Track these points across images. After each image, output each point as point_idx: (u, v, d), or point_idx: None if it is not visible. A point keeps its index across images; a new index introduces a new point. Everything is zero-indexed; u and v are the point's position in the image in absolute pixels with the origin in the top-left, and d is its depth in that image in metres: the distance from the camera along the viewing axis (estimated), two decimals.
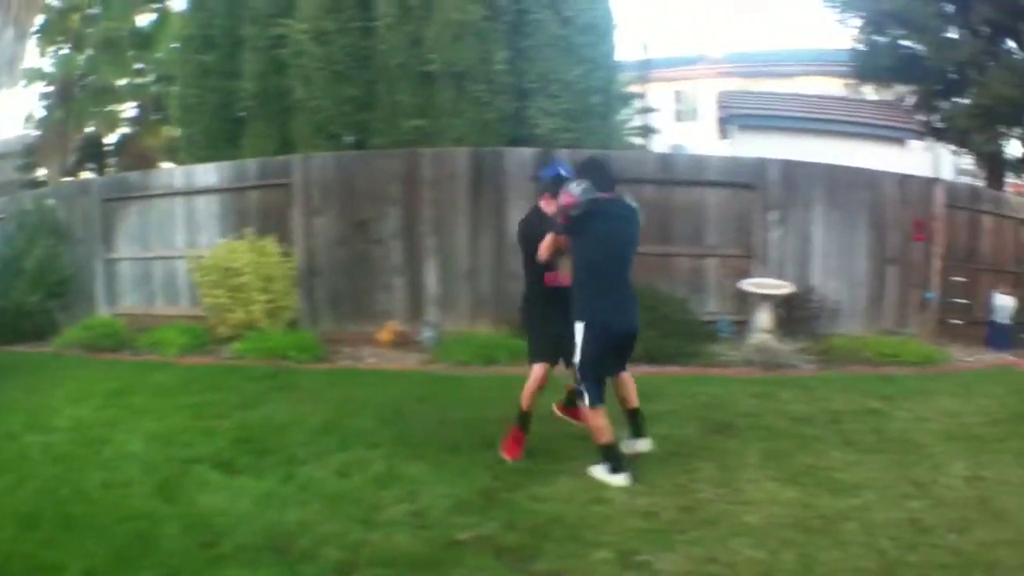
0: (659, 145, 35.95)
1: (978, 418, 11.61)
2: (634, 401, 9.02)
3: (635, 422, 9.00)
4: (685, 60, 47.32)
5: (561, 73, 17.70)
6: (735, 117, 29.00)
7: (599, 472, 8.11)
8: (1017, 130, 29.90)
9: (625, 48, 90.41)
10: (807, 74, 42.27)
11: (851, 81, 35.21)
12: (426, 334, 14.47)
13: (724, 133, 30.38)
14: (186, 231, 16.48)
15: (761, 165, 17.36)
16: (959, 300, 18.26)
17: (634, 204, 8.91)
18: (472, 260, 15.67)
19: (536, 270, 9.05)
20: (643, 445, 8.93)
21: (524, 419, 8.87)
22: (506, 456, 8.61)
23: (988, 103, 26.69)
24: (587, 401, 8.17)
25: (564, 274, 8.93)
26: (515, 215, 14.47)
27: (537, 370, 8.98)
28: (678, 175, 16.65)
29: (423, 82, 17.19)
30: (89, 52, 27.90)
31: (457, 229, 15.65)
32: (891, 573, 6.75)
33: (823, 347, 15.91)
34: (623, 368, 9.07)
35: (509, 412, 9.75)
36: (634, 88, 33.70)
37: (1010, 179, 34.01)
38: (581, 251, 8.42)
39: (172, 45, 26.04)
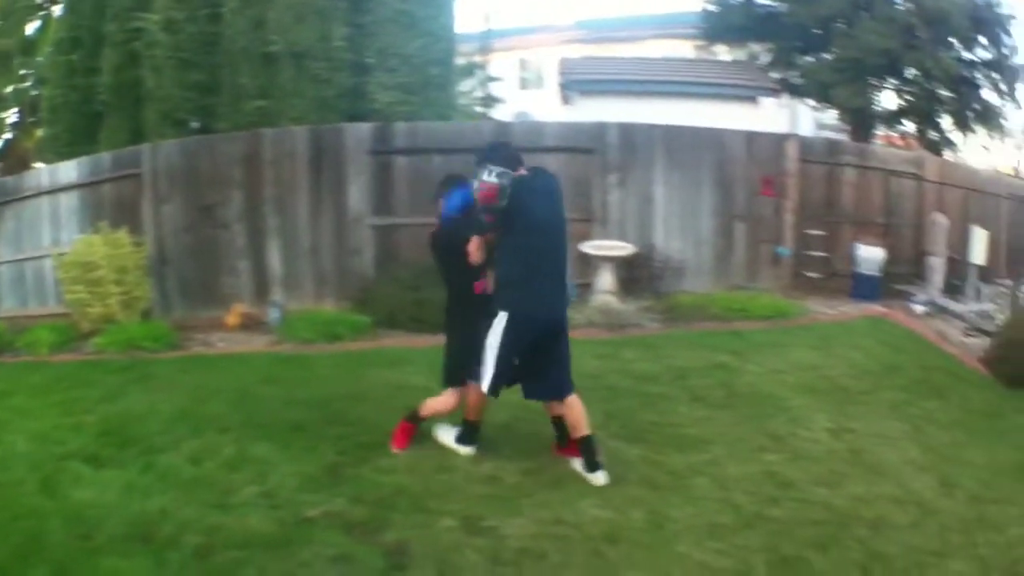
0: (504, 113, 36.00)
1: (842, 370, 11.97)
2: (581, 428, 7.80)
3: (586, 451, 7.78)
4: (531, 29, 47.15)
5: (400, 47, 17.99)
6: (575, 83, 29.11)
7: (445, 436, 8.24)
8: (893, 81, 30.53)
9: (469, 19, 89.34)
10: (657, 37, 42.21)
11: (701, 43, 35.35)
12: (272, 315, 14.57)
13: (566, 99, 30.45)
14: (51, 230, 16.43)
15: (600, 129, 17.54)
16: (816, 254, 18.52)
17: (556, 181, 8.22)
18: (314, 238, 15.80)
19: (464, 280, 8.26)
20: (598, 478, 7.72)
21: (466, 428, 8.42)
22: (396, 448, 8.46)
23: (857, 56, 27.22)
24: (482, 384, 7.67)
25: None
26: (354, 190, 15.82)
27: (450, 399, 8.47)
28: (516, 142, 15.47)
29: (265, 64, 17.34)
30: None
31: (298, 208, 15.75)
32: (750, 527, 7.13)
33: (668, 305, 16.21)
34: (560, 383, 7.95)
35: (351, 388, 10.57)
36: (478, 58, 33.91)
37: (884, 132, 34.39)
38: (513, 239, 7.71)
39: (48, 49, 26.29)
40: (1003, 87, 30.21)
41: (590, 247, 16.18)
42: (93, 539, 6.44)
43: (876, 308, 16.35)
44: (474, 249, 7.88)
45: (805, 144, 19.01)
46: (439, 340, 11.86)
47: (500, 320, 7.61)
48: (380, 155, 15.85)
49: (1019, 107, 31.44)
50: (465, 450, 8.14)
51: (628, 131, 17.60)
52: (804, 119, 36.64)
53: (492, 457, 8.29)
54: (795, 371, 11.81)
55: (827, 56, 29.64)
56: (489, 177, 7.64)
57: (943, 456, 8.71)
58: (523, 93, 39.86)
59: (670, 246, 17.48)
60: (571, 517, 7.06)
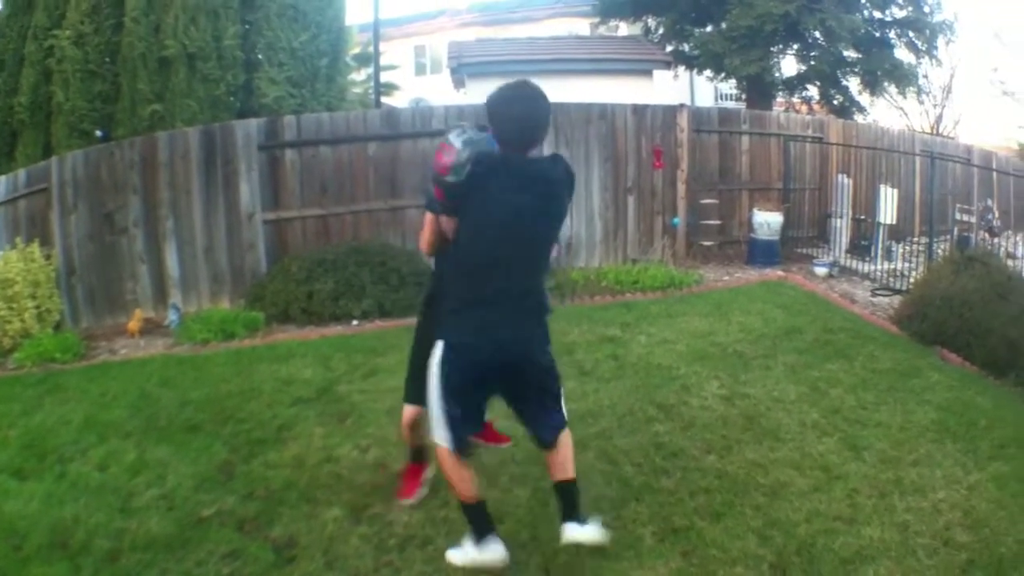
0: (400, 100, 36.43)
1: (736, 336, 12.23)
2: (565, 472, 6.30)
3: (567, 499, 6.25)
4: (428, 15, 47.02)
5: (288, 41, 18.49)
6: (464, 66, 29.38)
7: (460, 554, 6.24)
8: (794, 47, 30.74)
9: (365, 7, 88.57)
10: (554, 17, 42.45)
11: (596, 20, 35.28)
12: (171, 317, 14.74)
13: (458, 83, 30.86)
14: None
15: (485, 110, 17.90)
16: (711, 222, 19.10)
17: (561, 169, 6.14)
18: (208, 238, 15.90)
19: (438, 266, 6.90)
20: (588, 534, 6.13)
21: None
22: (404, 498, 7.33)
23: (751, 23, 26.98)
24: (440, 441, 5.95)
25: None
26: (245, 186, 15.93)
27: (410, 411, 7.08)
28: (403, 129, 17.12)
29: (161, 67, 17.78)
30: None
31: (193, 208, 15.81)
32: (639, 499, 7.27)
33: (558, 282, 16.24)
34: (547, 423, 6.39)
35: (243, 385, 10.86)
36: (372, 47, 34.48)
37: (786, 99, 34.83)
38: (458, 235, 5.95)
39: None
40: (920, 45, 30.22)
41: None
42: (23, 549, 6.74)
43: (775, 272, 16.73)
44: (424, 232, 6.39)
45: (696, 114, 19.56)
46: (328, 331, 12.49)
47: (435, 351, 5.97)
48: (269, 150, 16.06)
49: (939, 64, 31.80)
50: (491, 555, 6.01)
51: None
52: (704, 90, 37.24)
53: (377, 445, 8.57)
54: (686, 339, 12.10)
55: (721, 26, 29.31)
56: (456, 138, 5.86)
57: (848, 419, 8.85)
58: (420, 79, 40.08)
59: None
60: (455, 500, 6.65)
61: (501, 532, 6.20)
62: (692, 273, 16.88)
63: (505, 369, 5.99)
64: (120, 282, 15.65)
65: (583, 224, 18.31)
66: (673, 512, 7.03)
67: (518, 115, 5.78)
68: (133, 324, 14.70)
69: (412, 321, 9.03)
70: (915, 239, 19.85)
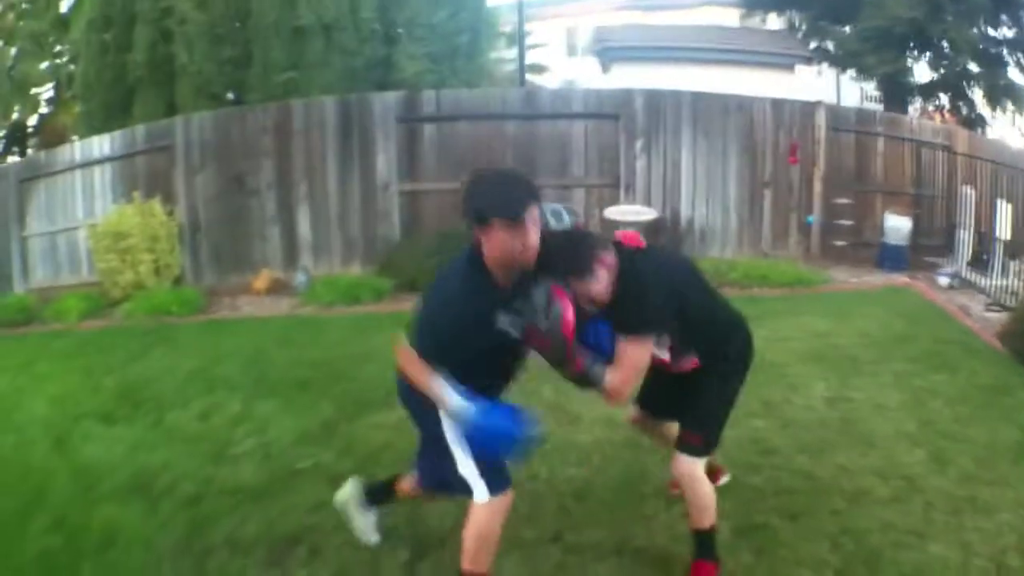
0: (551, 80, 36.06)
1: (852, 339, 11.78)
2: None
3: None
4: None
5: (427, 17, 18.47)
6: (608, 50, 29.56)
7: None
8: (925, 54, 29.92)
9: None
10: (705, 5, 41.41)
11: (744, 11, 35.03)
12: (299, 279, 14.90)
13: (604, 67, 30.73)
14: (85, 202, 16.87)
15: (626, 95, 17.69)
16: (845, 222, 18.45)
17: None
18: (342, 205, 16.20)
19: None
20: None
21: None
22: None
23: (883, 24, 26.68)
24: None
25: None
26: (382, 157, 16.20)
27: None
28: (542, 109, 17.08)
29: (295, 37, 17.84)
30: (19, 45, 28.43)
31: (327, 176, 16.13)
32: (724, 494, 6.70)
33: None
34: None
35: (360, 348, 10.87)
36: (525, 26, 34.45)
37: (919, 105, 33.44)
38: None
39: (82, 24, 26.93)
40: None
41: (614, 212, 16.19)
42: (95, 491, 6.81)
43: (900, 278, 16.07)
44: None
45: (834, 113, 18.95)
46: None
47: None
48: (407, 123, 16.16)
49: None
50: None
51: (654, 97, 17.65)
52: (850, 90, 36.41)
53: None
54: (803, 338, 11.78)
55: (857, 26, 28.90)
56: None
57: (941, 432, 8.30)
58: (571, 61, 39.48)
59: (696, 212, 17.72)
60: (544, 474, 7.21)
61: None
62: (821, 273, 16.44)
63: None
64: (248, 242, 15.94)
65: (718, 214, 17.92)
66: (755, 509, 6.78)
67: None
68: (260, 282, 14.95)
69: None
70: None
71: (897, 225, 17.68)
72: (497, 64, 30.42)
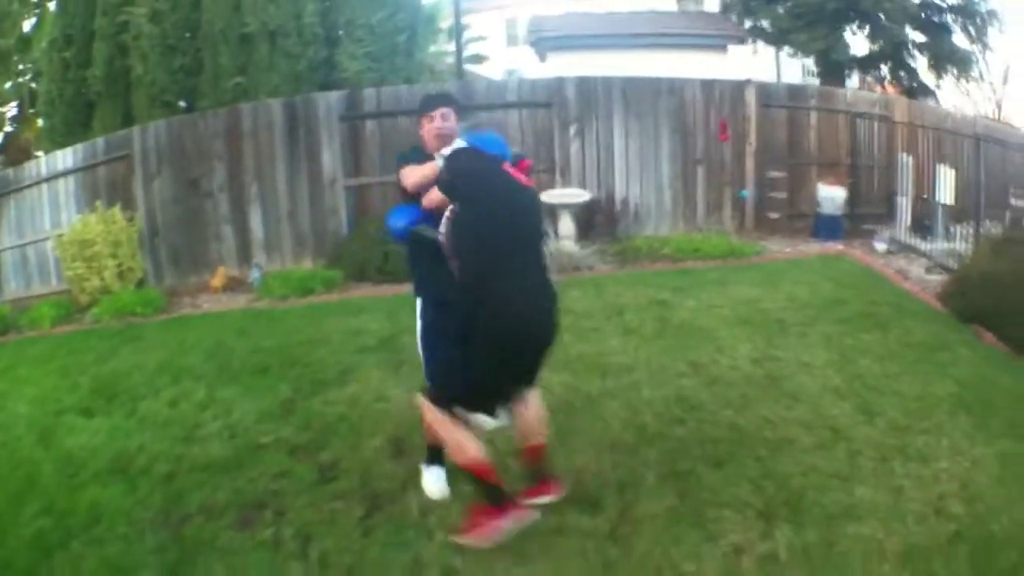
0: (492, 70, 36.72)
1: (782, 304, 12.23)
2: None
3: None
4: None
5: (366, 18, 18.92)
6: (543, 40, 29.62)
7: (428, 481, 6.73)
8: (865, 27, 30.30)
9: None
10: None
11: None
12: (253, 275, 15.55)
13: (539, 56, 30.96)
14: (51, 214, 17.18)
15: (558, 83, 18.34)
16: (778, 195, 19.01)
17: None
18: (291, 202, 16.76)
19: None
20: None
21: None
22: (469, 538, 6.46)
23: (815, 1, 27.36)
24: None
25: None
26: (327, 155, 16.83)
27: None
28: (478, 100, 17.50)
29: (242, 43, 18.38)
30: None
31: (277, 175, 16.68)
32: (650, 445, 7.61)
33: (623, 248, 16.99)
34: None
35: (313, 335, 11.50)
36: (464, 19, 34.60)
37: (860, 77, 34.17)
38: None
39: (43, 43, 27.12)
40: (972, 31, 30.07)
41: (550, 196, 16.73)
42: (79, 476, 7.42)
43: (836, 247, 16.60)
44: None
45: (764, 90, 19.46)
46: (401, 289, 12.53)
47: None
48: (350, 121, 16.81)
49: (989, 51, 31.24)
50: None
51: (585, 84, 18.28)
52: (791, 67, 37.02)
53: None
54: (733, 305, 12.21)
55: (790, 3, 29.57)
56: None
57: (869, 386, 8.79)
58: (512, 50, 39.74)
59: (630, 192, 18.31)
60: (485, 436, 7.37)
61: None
62: (754, 244, 17.00)
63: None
64: (204, 243, 16.44)
65: (652, 193, 18.52)
66: (679, 458, 7.35)
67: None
68: (217, 280, 15.47)
69: None
70: (980, 222, 18.93)
71: (830, 195, 18.19)
72: (439, 58, 30.67)
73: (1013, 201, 20.49)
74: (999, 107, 43.80)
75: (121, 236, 15.28)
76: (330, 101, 16.92)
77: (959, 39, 30.87)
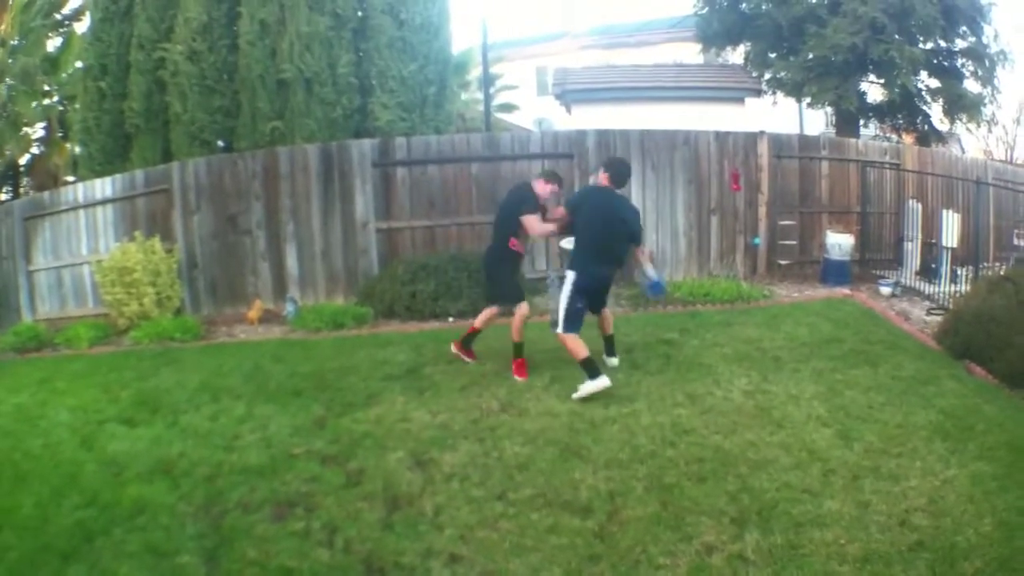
0: (522, 119, 37.07)
1: (779, 343, 12.75)
2: (607, 329, 11.76)
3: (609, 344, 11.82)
4: (549, 36, 46.78)
5: (398, 70, 19.37)
6: (568, 92, 29.73)
7: (584, 390, 10.14)
8: (876, 78, 29.76)
9: (488, 30, 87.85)
10: (668, 41, 41.54)
11: (701, 46, 33.96)
12: (288, 308, 16.25)
13: (565, 108, 31.17)
14: (89, 239, 17.85)
15: (579, 136, 18.85)
16: (789, 242, 19.38)
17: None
18: (325, 241, 17.33)
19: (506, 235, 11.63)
20: (613, 362, 11.70)
21: (519, 348, 11.52)
22: (519, 377, 11.19)
23: (824, 54, 26.90)
24: (568, 330, 10.47)
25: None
26: (360, 198, 17.43)
27: (524, 307, 11.52)
28: (503, 151, 18.29)
29: (279, 89, 18.86)
30: (8, 82, 28.50)
31: (311, 215, 17.27)
32: (642, 462, 8.38)
33: (637, 293, 17.19)
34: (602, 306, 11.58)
35: (344, 363, 12.13)
36: (495, 68, 33.82)
37: (880, 126, 33.59)
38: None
39: (75, 66, 27.65)
40: (981, 74, 29.21)
41: (567, 243, 15.96)
42: (123, 475, 8.16)
43: (842, 291, 16.87)
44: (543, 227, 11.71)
45: (776, 140, 19.92)
46: (426, 326, 14.15)
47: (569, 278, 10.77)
48: (382, 167, 17.49)
49: (998, 93, 30.00)
50: (602, 382, 10.23)
51: (605, 136, 18.81)
52: (814, 117, 36.89)
53: (446, 411, 10.05)
54: (733, 344, 12.75)
55: (804, 56, 28.80)
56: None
57: (852, 415, 9.37)
58: (542, 99, 39.62)
59: (647, 239, 18.29)
60: (496, 452, 8.70)
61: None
62: (762, 288, 17.46)
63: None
64: (241, 276, 17.03)
65: (667, 240, 19.01)
66: (667, 473, 8.10)
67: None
68: (253, 313, 16.07)
69: (505, 319, 12.72)
70: (986, 264, 19.18)
71: (838, 241, 18.49)
72: (469, 106, 31.18)
73: (1018, 241, 21.11)
74: (1011, 150, 43.87)
75: (161, 266, 15.84)
76: (363, 148, 17.49)
77: (970, 83, 30.23)
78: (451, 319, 15.75)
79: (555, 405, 10.20)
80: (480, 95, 30.43)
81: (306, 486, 8.00)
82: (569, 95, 30.22)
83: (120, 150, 20.87)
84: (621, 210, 10.83)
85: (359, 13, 19.73)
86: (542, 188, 11.72)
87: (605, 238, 10.71)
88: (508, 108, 37.02)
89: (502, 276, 11.80)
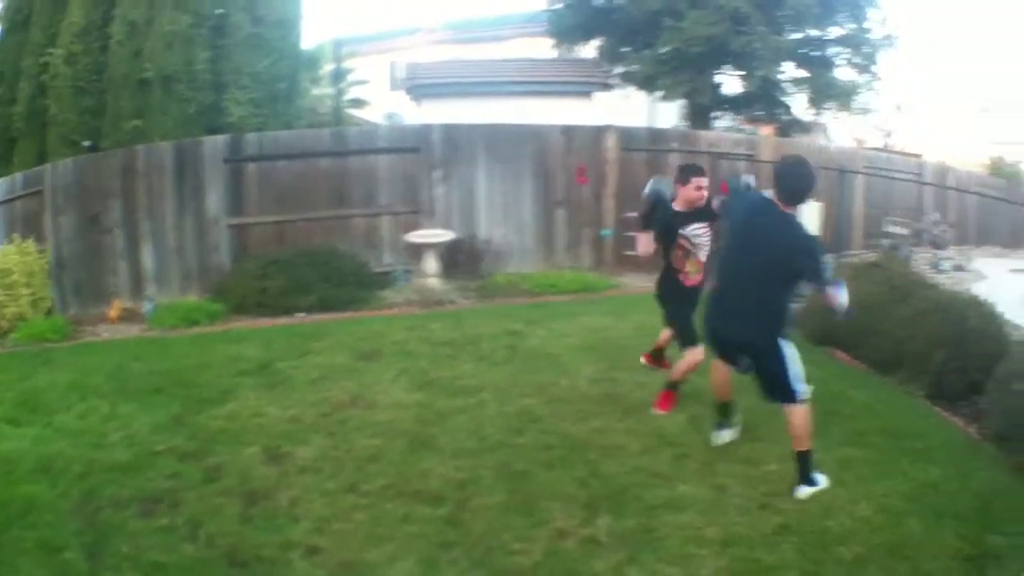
0: (374, 114, 36.89)
1: (627, 332, 13.28)
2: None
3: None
4: (404, 31, 46.55)
5: (251, 66, 19.95)
6: (418, 87, 30.43)
7: (805, 488, 7.87)
8: (736, 68, 29.68)
9: (341, 22, 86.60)
10: (522, 36, 41.15)
11: (553, 41, 33.37)
12: (146, 307, 16.34)
13: (417, 102, 31.51)
14: None
15: (425, 130, 19.70)
16: (636, 233, 19.90)
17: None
18: (179, 239, 17.50)
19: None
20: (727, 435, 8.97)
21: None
22: (661, 410, 9.77)
23: (679, 46, 26.79)
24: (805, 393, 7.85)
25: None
26: (212, 195, 17.73)
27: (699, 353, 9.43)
28: (351, 146, 18.90)
29: (141, 88, 19.23)
30: None
31: (166, 213, 17.37)
32: (491, 451, 8.85)
33: (483, 284, 18.02)
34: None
35: (199, 360, 12.68)
36: (348, 63, 34.74)
37: (740, 118, 33.78)
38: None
39: None
40: (858, 62, 29.37)
41: (415, 236, 18.03)
42: (14, 473, 8.44)
43: None
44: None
45: (626, 134, 20.78)
46: (277, 321, 14.65)
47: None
48: (234, 163, 17.82)
49: (877, 80, 29.89)
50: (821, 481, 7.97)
51: (451, 131, 19.51)
52: (669, 109, 36.05)
53: (296, 406, 10.52)
54: (580, 334, 13.38)
55: (658, 49, 28.52)
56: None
57: (704, 402, 9.58)
58: (395, 94, 38.94)
59: (493, 232, 19.51)
60: (346, 445, 9.14)
61: None
62: (610, 279, 18.23)
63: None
64: (103, 276, 17.15)
65: (514, 233, 19.79)
66: (516, 461, 8.59)
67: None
68: (113, 312, 16.32)
69: (349, 315, 14.27)
70: (851, 252, 20.35)
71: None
72: (321, 101, 31.36)
73: (890, 228, 21.84)
74: (888, 136, 44.19)
75: (35, 267, 16.03)
76: (216, 144, 17.78)
77: (846, 72, 30.09)
78: (301, 314, 16.11)
79: (403, 397, 10.75)
80: (332, 91, 31.56)
81: (169, 483, 8.32)
82: (419, 89, 30.74)
83: (5, 155, 21.22)
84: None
85: (218, 11, 20.12)
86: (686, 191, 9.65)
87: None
88: (360, 103, 37.18)
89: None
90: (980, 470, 8.69)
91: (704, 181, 9.56)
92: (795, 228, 7.70)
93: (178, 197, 17.60)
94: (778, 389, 7.86)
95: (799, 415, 7.72)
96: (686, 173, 9.64)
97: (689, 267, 9.55)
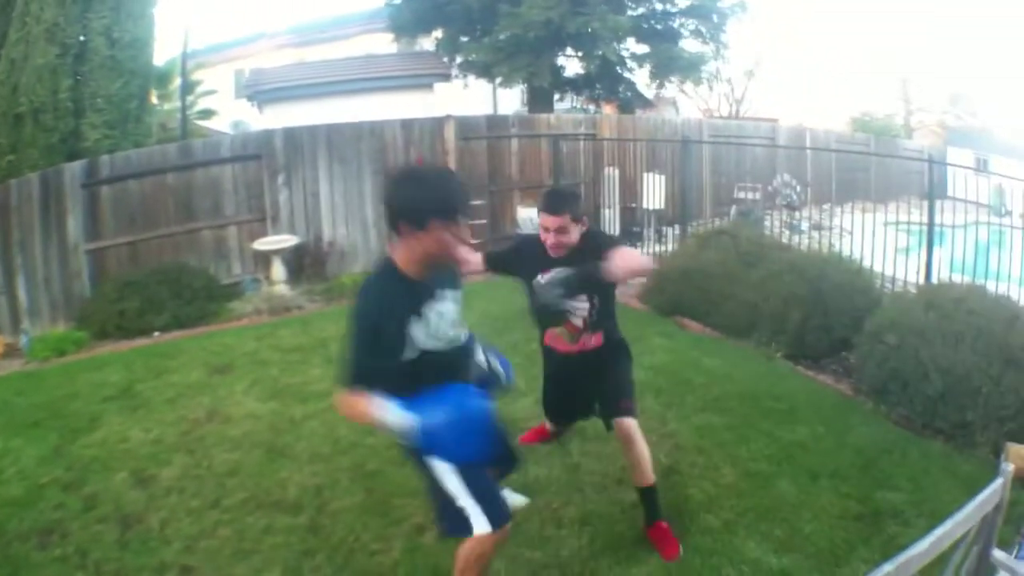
0: (222, 123, 37.55)
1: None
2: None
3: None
4: (247, 39, 47.31)
5: (106, 88, 20.52)
6: (259, 94, 30.90)
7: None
8: (570, 50, 31.41)
9: (190, 37, 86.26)
10: (364, 33, 42.52)
11: (394, 36, 35.58)
12: (23, 341, 16.42)
13: (260, 109, 31.80)
14: None
15: (267, 135, 20.47)
16: (479, 222, 20.97)
17: None
18: (46, 269, 17.56)
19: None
20: None
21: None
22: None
23: (517, 32, 28.28)
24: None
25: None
26: (71, 221, 17.83)
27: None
28: (196, 158, 19.43)
29: (16, 122, 19.83)
30: None
31: (35, 244, 17.38)
32: (344, 453, 9.31)
33: (329, 286, 18.70)
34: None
35: (69, 390, 12.96)
36: (196, 74, 35.41)
37: (581, 99, 35.38)
38: None
39: None
40: (705, 32, 31.22)
41: (260, 243, 18.99)
42: None
43: None
44: None
45: (464, 123, 21.98)
46: (136, 343, 15.70)
47: None
48: (90, 187, 18.10)
49: (725, 49, 32.28)
50: None
51: (292, 134, 20.36)
52: (511, 96, 38.39)
53: (157, 427, 10.98)
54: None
55: (497, 36, 30.19)
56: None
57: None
58: (240, 102, 39.59)
59: (337, 234, 20.60)
60: (207, 462, 9.56)
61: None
62: None
63: None
64: None
65: (357, 233, 20.91)
66: (369, 461, 9.13)
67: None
68: None
69: (201, 330, 15.06)
70: (700, 222, 20.91)
71: (529, 215, 20.54)
72: (172, 115, 32.12)
73: (738, 194, 23.37)
74: (738, 104, 46.56)
75: None
76: (74, 170, 17.97)
77: (691, 43, 31.88)
78: (157, 333, 16.64)
79: (257, 407, 11.32)
80: (179, 104, 31.52)
81: (57, 514, 8.63)
82: (261, 95, 31.69)
83: None
84: None
85: (81, 38, 20.53)
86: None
87: None
88: (207, 114, 37.71)
89: None
90: (858, 426, 9.35)
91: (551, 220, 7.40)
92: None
93: (44, 227, 17.65)
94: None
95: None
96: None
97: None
